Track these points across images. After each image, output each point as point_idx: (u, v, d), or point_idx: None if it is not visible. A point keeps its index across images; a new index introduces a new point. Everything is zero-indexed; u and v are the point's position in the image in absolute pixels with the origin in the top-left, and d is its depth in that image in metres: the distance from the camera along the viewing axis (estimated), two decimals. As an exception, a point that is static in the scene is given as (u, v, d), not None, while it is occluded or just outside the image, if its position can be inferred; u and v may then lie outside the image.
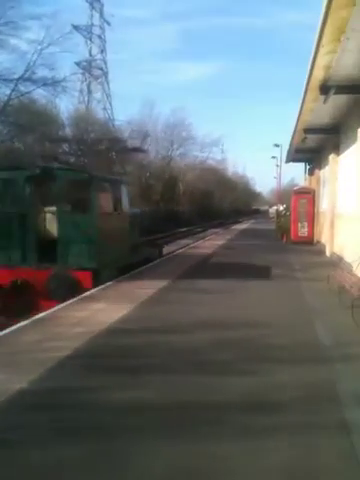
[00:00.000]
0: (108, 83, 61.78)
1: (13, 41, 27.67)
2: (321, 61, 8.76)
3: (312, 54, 8.57)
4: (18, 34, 22.32)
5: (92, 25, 62.76)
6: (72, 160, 29.07)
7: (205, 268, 13.04)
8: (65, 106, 66.92)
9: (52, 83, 22.46)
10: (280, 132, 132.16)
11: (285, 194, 45.49)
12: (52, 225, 10.18)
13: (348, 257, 11.61)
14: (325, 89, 10.46)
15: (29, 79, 22.04)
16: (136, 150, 37.56)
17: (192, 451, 3.33)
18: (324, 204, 19.89)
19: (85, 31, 60.41)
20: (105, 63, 62.50)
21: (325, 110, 12.94)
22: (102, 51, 63.31)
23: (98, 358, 5.29)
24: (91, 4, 61.84)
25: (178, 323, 6.81)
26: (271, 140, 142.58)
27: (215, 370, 4.93)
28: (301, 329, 6.62)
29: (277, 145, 45.06)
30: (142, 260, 13.04)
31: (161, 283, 10.03)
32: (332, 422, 3.78)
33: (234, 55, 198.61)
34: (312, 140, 18.70)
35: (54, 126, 30.55)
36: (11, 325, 6.78)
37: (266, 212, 78.35)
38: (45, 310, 7.84)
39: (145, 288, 9.48)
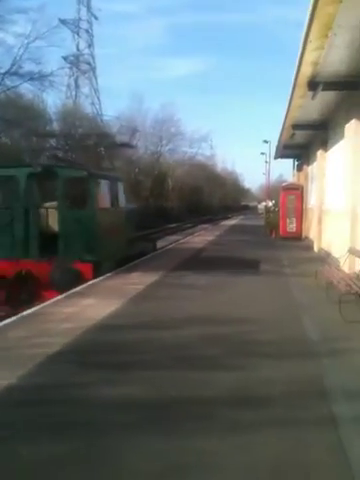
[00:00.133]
0: (96, 78, 61.57)
1: (-1, 35, 27.40)
2: (309, 57, 8.79)
3: (300, 50, 8.61)
4: (4, 28, 22.31)
5: (79, 19, 62.40)
6: (60, 155, 28.81)
7: (196, 263, 13.08)
8: (52, 101, 66.70)
9: (39, 77, 22.32)
10: (269, 128, 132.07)
11: (274, 190, 45.71)
12: (53, 220, 10.54)
13: (336, 253, 11.70)
14: (313, 85, 10.52)
15: (16, 73, 21.88)
16: (125, 146, 37.31)
17: (181, 447, 3.34)
18: (312, 200, 20.01)
19: (72, 25, 60.08)
20: (93, 58, 62.25)
21: (313, 106, 13.01)
22: (90, 46, 63.02)
23: (87, 354, 5.28)
24: (78, -2, 61.45)
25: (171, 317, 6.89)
26: (260, 136, 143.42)
27: (204, 365, 4.94)
28: (289, 324, 6.66)
29: (266, 141, 45.44)
30: (137, 253, 13.61)
31: (153, 277, 10.20)
32: (320, 416, 3.80)
33: (223, 51, 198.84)
34: (300, 136, 18.79)
35: (41, 121, 30.31)
36: (16, 314, 7.07)
37: (255, 208, 78.77)
38: (47, 300, 8.26)
39: (143, 278, 9.65)
